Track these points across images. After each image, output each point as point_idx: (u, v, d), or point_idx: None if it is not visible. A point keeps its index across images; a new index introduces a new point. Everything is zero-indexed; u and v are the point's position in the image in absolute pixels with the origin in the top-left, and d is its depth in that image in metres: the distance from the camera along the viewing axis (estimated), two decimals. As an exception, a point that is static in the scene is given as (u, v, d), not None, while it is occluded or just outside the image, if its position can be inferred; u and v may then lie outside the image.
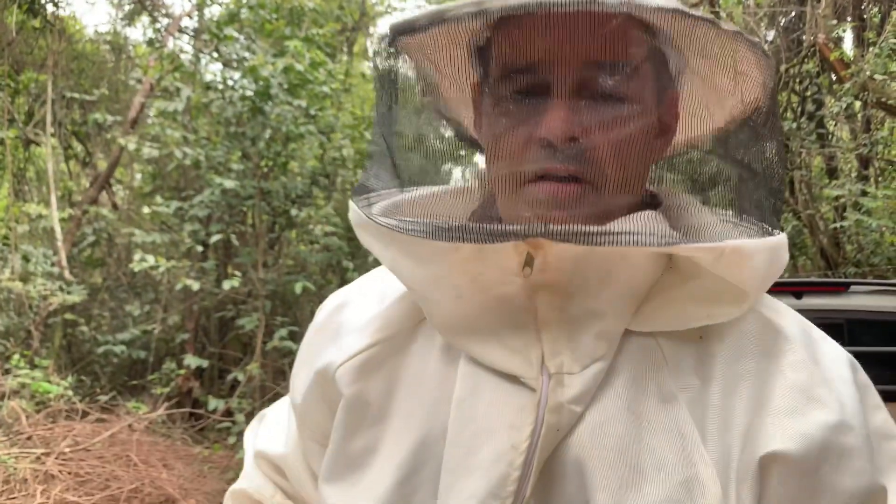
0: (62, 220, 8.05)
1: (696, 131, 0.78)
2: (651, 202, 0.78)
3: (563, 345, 0.72)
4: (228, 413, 6.42)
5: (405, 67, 0.78)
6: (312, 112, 7.09)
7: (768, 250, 0.70)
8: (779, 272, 0.73)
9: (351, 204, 0.79)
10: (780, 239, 0.72)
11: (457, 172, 0.84)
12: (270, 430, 1.02)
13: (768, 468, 0.69)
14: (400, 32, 0.73)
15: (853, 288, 3.94)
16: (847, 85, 7.56)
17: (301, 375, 0.90)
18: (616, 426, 0.71)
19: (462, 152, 0.85)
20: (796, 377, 0.72)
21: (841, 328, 3.87)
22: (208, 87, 7.33)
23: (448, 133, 0.85)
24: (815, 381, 0.72)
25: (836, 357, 0.76)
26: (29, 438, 5.08)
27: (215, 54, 8.27)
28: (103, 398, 6.47)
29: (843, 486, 0.69)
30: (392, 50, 0.76)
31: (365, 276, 0.95)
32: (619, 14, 0.66)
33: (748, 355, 0.74)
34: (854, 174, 9.72)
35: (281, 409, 1.05)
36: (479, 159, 0.80)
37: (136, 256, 6.61)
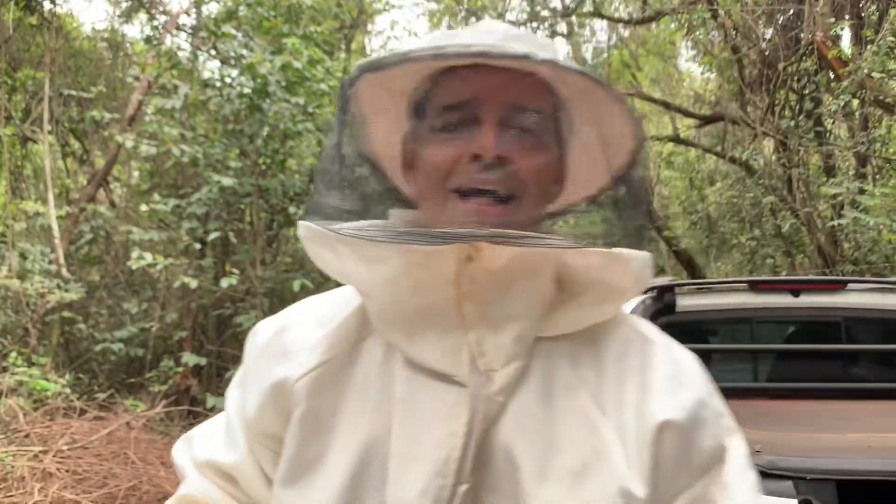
0: (59, 217, 8.05)
1: (590, 170, 0.97)
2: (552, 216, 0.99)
3: (488, 345, 0.87)
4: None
5: (358, 104, 0.94)
6: (310, 109, 7.09)
7: (642, 259, 0.89)
8: (646, 282, 0.92)
9: (301, 223, 0.91)
10: (648, 255, 0.91)
11: (400, 192, 1.00)
12: (208, 446, 1.05)
13: (662, 434, 0.87)
14: (368, 69, 0.88)
15: (851, 286, 3.94)
16: (845, 83, 7.57)
17: (252, 391, 0.99)
18: (534, 412, 0.86)
19: (402, 179, 0.99)
20: (666, 369, 0.92)
21: (838, 326, 3.88)
22: (206, 84, 7.32)
23: (388, 164, 1.00)
24: (679, 371, 0.93)
25: (686, 355, 0.97)
26: (27, 436, 5.08)
27: (213, 51, 8.26)
28: (101, 396, 6.47)
29: (705, 446, 0.89)
30: (351, 88, 0.91)
31: (294, 307, 1.06)
32: (530, 75, 0.84)
33: (630, 356, 0.93)
34: (852, 172, 9.72)
35: (211, 429, 1.09)
36: (420, 179, 0.93)
37: (134, 254, 6.60)
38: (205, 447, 1.05)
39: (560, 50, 0.93)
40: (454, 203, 0.87)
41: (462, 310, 0.87)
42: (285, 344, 0.98)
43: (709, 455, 0.90)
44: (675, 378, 0.92)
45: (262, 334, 1.03)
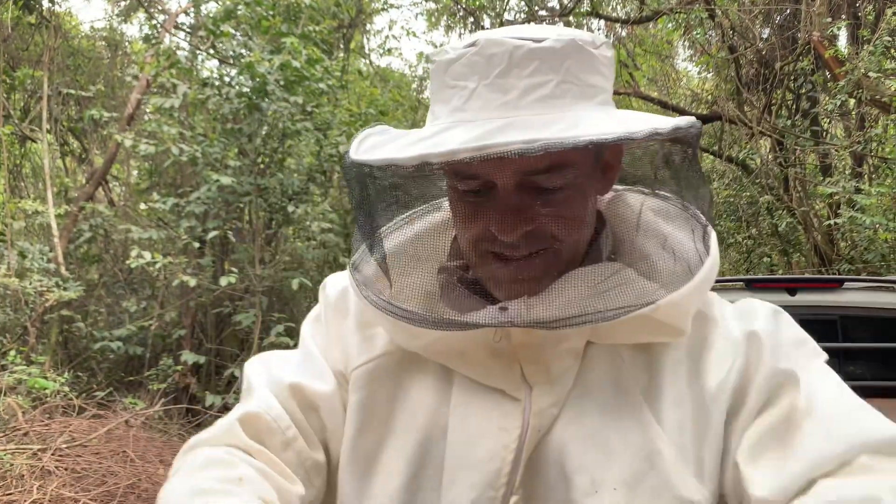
0: (58, 216, 8.05)
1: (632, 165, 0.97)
2: (597, 230, 0.94)
3: (538, 362, 0.88)
4: (225, 409, 6.42)
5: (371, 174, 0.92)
6: (309, 109, 7.10)
7: (696, 288, 0.84)
8: (709, 287, 0.88)
9: (349, 274, 0.95)
10: (709, 266, 0.86)
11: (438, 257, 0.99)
12: (291, 369, 1.01)
13: (719, 393, 0.87)
14: (357, 166, 0.86)
15: (847, 285, 3.96)
16: (841, 82, 7.59)
17: (329, 340, 1.02)
18: (586, 419, 0.86)
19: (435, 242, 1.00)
20: (720, 345, 0.90)
21: (835, 324, 3.89)
22: (205, 83, 7.32)
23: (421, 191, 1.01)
24: (731, 340, 0.90)
25: (757, 309, 0.94)
26: (25, 434, 5.08)
27: (212, 51, 8.26)
28: (100, 394, 6.48)
29: (767, 376, 0.87)
30: (368, 170, 0.89)
31: None
32: (542, 156, 0.77)
33: (684, 346, 0.90)
34: (848, 171, 9.74)
35: (288, 356, 1.05)
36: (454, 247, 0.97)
37: (133, 253, 6.60)
38: (287, 370, 1.00)
39: (575, 58, 0.79)
40: (490, 263, 0.87)
41: (511, 333, 0.89)
42: (352, 313, 1.01)
43: (773, 383, 0.87)
44: (727, 349, 0.90)
45: (332, 288, 1.05)
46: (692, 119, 0.82)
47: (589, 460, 0.84)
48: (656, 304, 0.82)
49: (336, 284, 1.05)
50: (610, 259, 0.93)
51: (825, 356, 0.94)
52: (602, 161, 0.91)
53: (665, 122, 0.79)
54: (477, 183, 0.85)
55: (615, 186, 0.99)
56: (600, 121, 0.80)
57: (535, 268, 0.85)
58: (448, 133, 0.80)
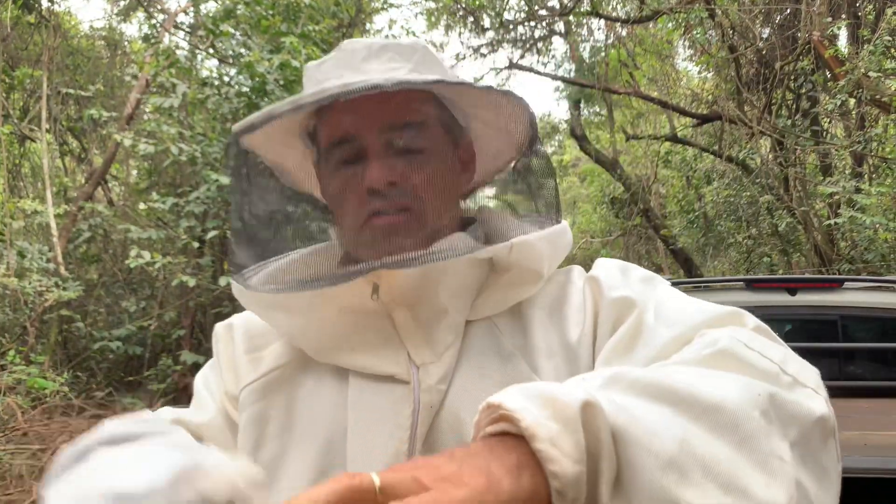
0: (58, 216, 8.05)
1: (487, 165, 1.05)
2: (467, 223, 1.02)
3: (421, 343, 0.92)
4: (224, 409, 6.41)
5: (255, 160, 1.00)
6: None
7: (546, 237, 0.94)
8: (565, 250, 0.99)
9: (231, 281, 0.98)
10: (557, 227, 0.96)
11: (314, 234, 1.05)
12: (176, 412, 1.06)
13: (577, 346, 0.93)
14: (242, 132, 0.92)
15: (847, 284, 3.96)
16: (841, 82, 7.59)
17: (229, 372, 1.04)
18: (473, 388, 0.91)
19: (313, 219, 1.07)
20: (576, 298, 0.97)
21: (835, 324, 3.90)
22: (204, 83, 7.32)
23: (299, 207, 1.07)
24: (585, 290, 0.98)
25: (602, 262, 1.01)
26: (25, 434, 5.08)
27: (211, 50, 8.26)
28: (99, 394, 6.49)
29: (613, 307, 0.92)
30: (241, 148, 0.97)
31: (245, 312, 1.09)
32: (399, 91, 0.87)
33: (550, 305, 0.98)
34: (848, 171, 9.74)
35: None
36: (329, 219, 1.02)
37: (132, 252, 6.60)
38: (172, 412, 1.05)
39: (422, 52, 1.01)
40: (360, 231, 0.92)
41: (393, 317, 0.93)
42: (238, 341, 1.05)
43: (616, 308, 0.92)
44: (580, 299, 0.97)
45: (219, 327, 1.10)
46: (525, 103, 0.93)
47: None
48: (510, 241, 0.91)
49: (220, 326, 1.10)
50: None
51: (667, 282, 0.98)
52: (459, 150, 1.00)
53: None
54: (347, 148, 0.93)
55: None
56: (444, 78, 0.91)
57: (401, 224, 0.91)
58: (319, 87, 0.88)
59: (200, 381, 1.08)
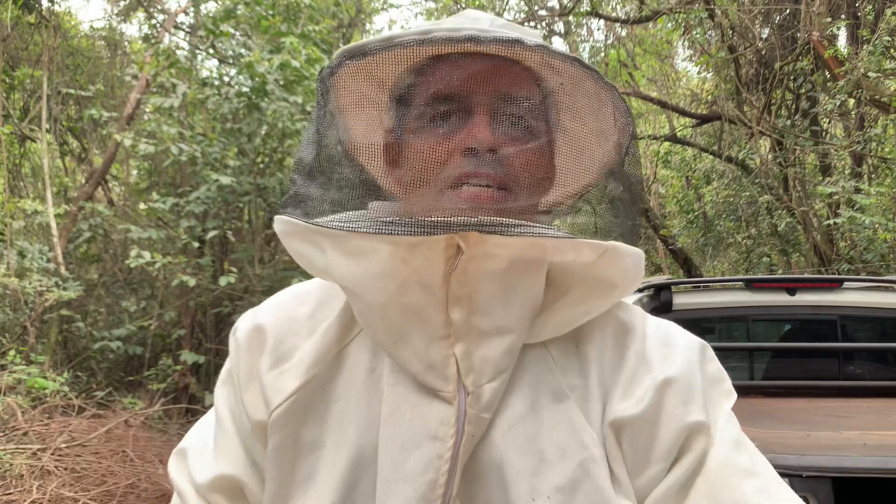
0: (58, 216, 8.05)
1: (582, 162, 0.93)
2: (546, 213, 0.93)
3: (476, 359, 0.83)
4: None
5: (340, 93, 0.89)
6: (308, 108, 7.09)
7: (636, 255, 0.86)
8: (639, 279, 0.89)
9: (278, 217, 0.87)
10: (641, 253, 0.88)
11: (387, 184, 0.90)
12: (205, 460, 0.97)
13: (619, 431, 0.85)
14: (352, 55, 0.84)
15: (847, 284, 3.96)
16: (841, 82, 7.59)
17: (252, 392, 0.93)
18: (522, 425, 0.84)
19: (392, 168, 0.92)
20: (630, 364, 0.89)
21: (834, 324, 3.90)
22: (204, 83, 7.32)
23: (378, 152, 0.93)
24: (644, 358, 0.89)
25: (684, 341, 0.92)
26: (25, 434, 5.08)
27: (211, 50, 8.27)
28: (99, 394, 6.48)
29: (669, 431, 0.84)
30: (332, 76, 0.87)
31: (274, 301, 1.00)
32: (534, 55, 0.81)
33: (608, 352, 0.90)
34: (848, 171, 9.75)
35: (203, 436, 1.01)
36: (407, 172, 0.86)
37: (133, 252, 6.60)
38: (202, 463, 0.97)
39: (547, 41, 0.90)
40: (447, 194, 0.81)
41: (450, 316, 0.84)
42: (266, 349, 0.94)
43: (674, 438, 0.85)
44: (637, 369, 0.89)
45: (242, 330, 0.97)
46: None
47: (526, 467, 0.82)
48: (608, 243, 0.83)
49: (246, 324, 0.97)
50: None
51: (734, 396, 0.93)
52: (559, 134, 0.90)
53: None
54: (447, 106, 0.84)
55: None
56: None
57: (492, 196, 0.81)
58: (443, 24, 0.82)
59: (225, 410, 0.97)
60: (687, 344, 0.92)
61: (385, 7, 11.56)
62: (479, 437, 0.84)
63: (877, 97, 7.38)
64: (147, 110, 9.22)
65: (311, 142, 0.88)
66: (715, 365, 0.92)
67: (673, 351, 0.90)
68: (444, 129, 0.83)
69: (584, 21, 13.16)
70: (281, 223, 0.87)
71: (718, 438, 0.86)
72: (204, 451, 0.97)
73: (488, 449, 0.84)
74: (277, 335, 0.94)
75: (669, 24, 11.05)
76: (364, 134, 0.92)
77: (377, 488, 0.83)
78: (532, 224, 0.79)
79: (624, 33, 12.76)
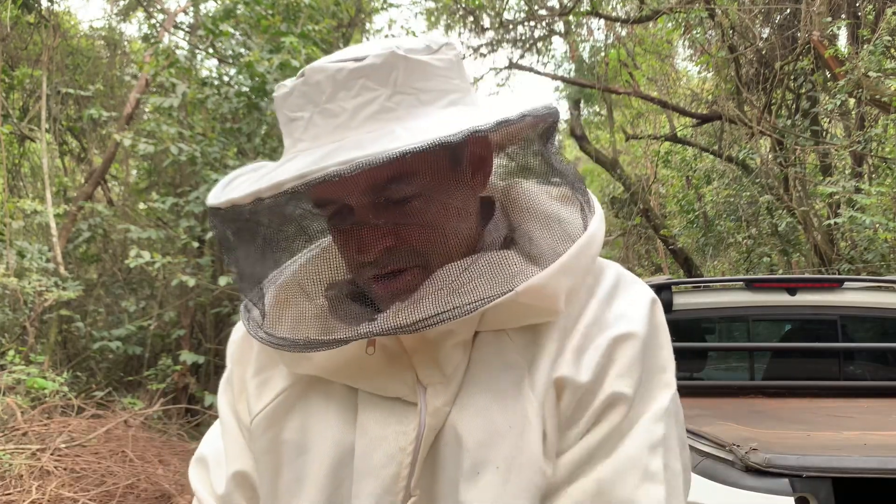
0: (57, 216, 8.05)
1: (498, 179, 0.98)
2: (486, 208, 0.97)
3: (430, 364, 0.89)
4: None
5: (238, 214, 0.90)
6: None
7: (560, 270, 0.86)
8: (590, 262, 0.91)
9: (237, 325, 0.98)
10: (579, 245, 0.88)
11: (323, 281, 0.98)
12: (222, 463, 1.03)
13: (561, 390, 0.87)
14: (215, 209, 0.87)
15: (847, 284, 3.96)
16: (841, 82, 7.58)
17: (242, 400, 1.02)
18: (475, 402, 0.87)
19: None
20: (585, 333, 0.90)
21: (835, 324, 3.90)
22: (204, 83, 7.32)
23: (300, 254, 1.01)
24: (598, 323, 0.91)
25: (632, 301, 0.93)
26: (24, 434, 5.08)
27: (211, 50, 8.26)
28: (99, 394, 6.48)
29: (601, 394, 0.87)
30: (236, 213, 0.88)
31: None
32: (361, 177, 0.79)
33: (562, 319, 0.91)
34: (848, 171, 9.74)
35: (219, 447, 1.05)
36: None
37: (132, 252, 6.59)
38: (221, 475, 1.02)
39: (402, 68, 0.85)
40: (371, 285, 0.89)
41: (401, 337, 0.89)
42: (252, 359, 1.02)
43: (599, 404, 0.87)
44: (591, 329, 0.90)
45: (233, 341, 1.06)
46: (540, 107, 0.84)
47: (475, 441, 0.85)
48: (514, 291, 0.83)
49: (236, 335, 1.06)
50: (504, 245, 0.94)
51: (672, 391, 0.92)
52: (467, 158, 0.90)
53: (494, 116, 0.80)
54: (333, 208, 0.88)
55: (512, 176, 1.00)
56: (435, 125, 0.80)
57: (404, 283, 0.86)
58: (284, 166, 0.81)
59: (228, 412, 1.04)
60: (640, 313, 0.92)
61: (385, 7, 11.56)
62: (440, 427, 0.88)
63: (877, 97, 7.37)
64: (147, 110, 9.22)
65: (230, 263, 0.96)
66: (663, 350, 0.93)
67: (627, 315, 0.91)
68: (339, 230, 0.88)
69: (584, 21, 13.16)
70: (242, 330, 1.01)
71: (642, 433, 0.87)
72: (221, 462, 1.03)
73: (445, 434, 0.88)
74: (257, 351, 1.01)
75: (669, 24, 11.05)
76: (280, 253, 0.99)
77: (352, 488, 0.88)
78: (434, 314, 0.81)
79: (624, 33, 12.76)
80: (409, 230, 0.86)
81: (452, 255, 0.88)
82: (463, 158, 0.89)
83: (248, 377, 1.00)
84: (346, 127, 0.82)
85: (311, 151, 0.81)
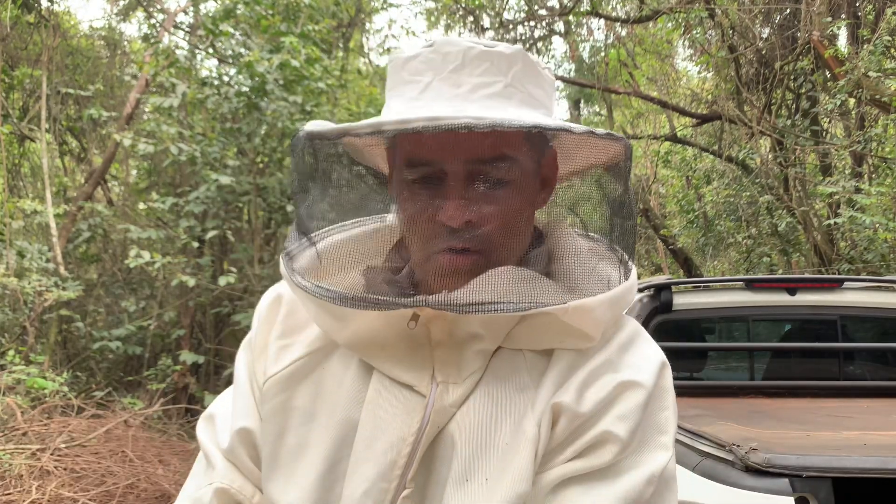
0: (57, 216, 8.04)
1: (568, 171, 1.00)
2: (536, 239, 0.98)
3: (449, 362, 0.91)
4: (224, 409, 6.40)
5: (336, 157, 0.98)
6: (308, 108, 7.09)
7: (608, 301, 0.89)
8: (624, 309, 0.94)
9: (283, 271, 0.97)
10: (624, 287, 0.91)
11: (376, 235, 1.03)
12: (232, 420, 1.05)
13: (558, 415, 0.88)
14: (314, 138, 0.91)
15: (847, 284, 3.96)
16: (841, 82, 7.58)
17: (261, 360, 1.03)
18: (478, 412, 0.89)
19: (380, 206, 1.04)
20: (595, 371, 0.91)
21: (834, 324, 3.90)
22: (204, 83, 7.32)
23: (371, 203, 1.04)
24: (603, 368, 0.92)
25: (646, 357, 0.95)
26: (24, 434, 5.08)
27: (211, 50, 8.27)
28: (99, 394, 6.48)
29: (594, 430, 0.88)
30: (324, 144, 0.95)
31: None
32: (492, 133, 0.82)
33: (576, 356, 0.93)
34: (848, 171, 9.74)
35: (228, 407, 1.07)
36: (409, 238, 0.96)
37: (132, 252, 6.59)
38: (228, 429, 1.04)
39: (521, 64, 0.92)
40: (428, 259, 0.90)
41: (430, 328, 0.92)
42: (279, 321, 1.03)
43: (591, 438, 0.88)
44: (600, 369, 0.92)
45: (264, 301, 1.08)
46: (627, 143, 0.89)
47: (470, 450, 0.88)
48: (567, 304, 0.85)
49: (269, 295, 1.08)
50: (545, 273, 0.96)
51: (670, 454, 0.92)
52: (541, 172, 0.95)
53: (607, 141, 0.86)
54: (427, 170, 0.89)
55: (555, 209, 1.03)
56: (543, 121, 0.85)
57: (470, 262, 0.88)
58: (409, 111, 0.86)
59: (243, 371, 1.06)
60: (651, 369, 0.93)
61: (385, 6, 11.57)
62: (443, 426, 0.89)
63: (877, 97, 7.37)
64: (146, 110, 9.22)
65: (298, 197, 0.97)
66: (666, 415, 0.93)
67: (638, 367, 0.93)
68: (423, 192, 0.89)
69: (584, 21, 13.16)
70: (283, 281, 0.98)
71: (626, 487, 0.86)
72: (228, 420, 1.05)
73: (445, 437, 0.89)
74: (291, 306, 1.03)
75: (669, 24, 11.04)
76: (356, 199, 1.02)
77: (350, 462, 0.91)
78: (483, 303, 0.83)
79: (624, 33, 12.75)
80: (490, 214, 0.88)
81: (511, 255, 0.91)
82: (544, 158, 0.95)
83: (272, 339, 1.02)
84: (466, 99, 0.87)
85: (432, 108, 0.85)
